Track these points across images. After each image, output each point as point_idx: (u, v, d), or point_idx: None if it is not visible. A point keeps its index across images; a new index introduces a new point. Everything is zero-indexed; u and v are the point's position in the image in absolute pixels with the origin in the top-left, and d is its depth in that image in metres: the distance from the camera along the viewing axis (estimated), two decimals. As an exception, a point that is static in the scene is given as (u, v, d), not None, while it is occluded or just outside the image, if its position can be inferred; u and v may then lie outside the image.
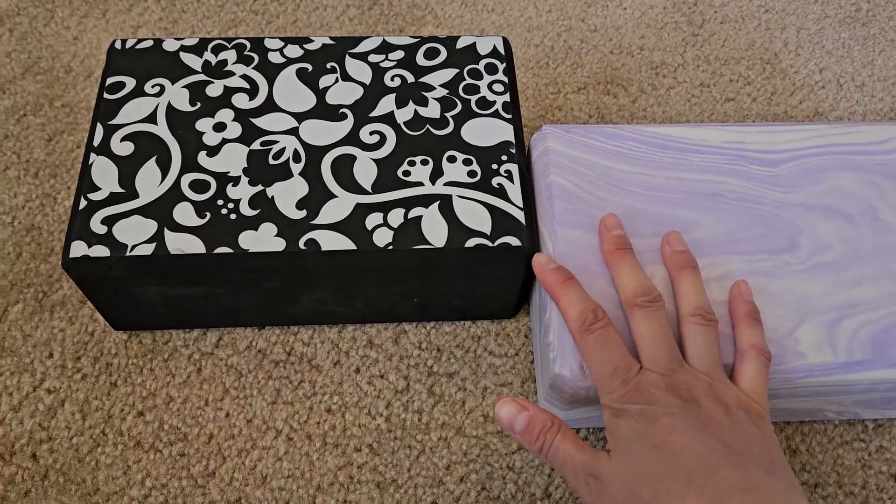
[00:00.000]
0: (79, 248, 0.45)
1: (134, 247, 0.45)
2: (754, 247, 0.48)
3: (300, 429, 0.49)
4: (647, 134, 0.51)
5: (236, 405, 0.50)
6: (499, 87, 0.53)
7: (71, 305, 0.53)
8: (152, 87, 0.51)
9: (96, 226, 0.46)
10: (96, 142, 0.49)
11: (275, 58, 0.53)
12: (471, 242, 0.46)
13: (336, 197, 0.48)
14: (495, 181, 0.49)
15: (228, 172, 0.48)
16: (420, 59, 0.54)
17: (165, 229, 0.46)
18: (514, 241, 0.46)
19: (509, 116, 0.51)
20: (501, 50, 0.54)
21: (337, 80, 0.52)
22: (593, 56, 0.67)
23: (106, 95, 0.51)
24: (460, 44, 0.55)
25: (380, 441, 0.49)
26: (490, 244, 0.46)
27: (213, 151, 0.49)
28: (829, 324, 0.45)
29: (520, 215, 0.47)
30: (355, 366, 0.51)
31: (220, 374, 0.51)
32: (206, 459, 0.48)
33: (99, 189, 0.47)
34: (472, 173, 0.49)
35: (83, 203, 0.46)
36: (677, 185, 0.49)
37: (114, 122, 0.50)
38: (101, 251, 0.45)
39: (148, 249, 0.45)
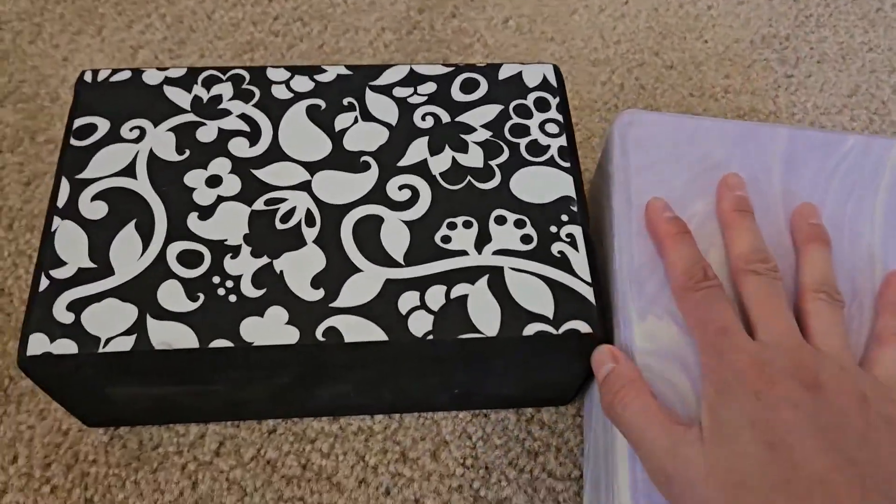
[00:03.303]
0: (38, 344, 0.35)
1: (108, 340, 0.36)
2: None
3: (314, 567, 0.40)
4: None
5: (236, 532, 0.40)
6: (553, 128, 0.43)
7: (42, 396, 0.44)
8: (130, 130, 0.42)
9: (60, 313, 0.36)
10: (61, 202, 0.39)
11: (280, 92, 0.44)
12: (529, 329, 0.37)
13: (360, 271, 0.38)
14: (555, 248, 0.39)
15: (226, 240, 0.39)
16: (456, 94, 0.44)
17: (148, 316, 0.36)
18: (582, 328, 0.37)
19: (567, 165, 0.42)
20: (553, 81, 0.45)
21: (356, 121, 0.43)
22: (670, 98, 0.57)
23: (73, 142, 0.41)
24: (503, 73, 0.45)
25: (413, 588, 0.39)
26: (554, 331, 0.37)
27: (206, 213, 0.39)
28: None
29: (588, 292, 0.38)
30: (385, 486, 0.42)
31: (220, 492, 0.41)
32: None
33: (64, 264, 0.37)
34: (526, 238, 0.40)
35: (44, 283, 0.37)
36: None
37: (82, 175, 0.40)
38: (66, 346, 0.35)
39: (126, 344, 0.36)
